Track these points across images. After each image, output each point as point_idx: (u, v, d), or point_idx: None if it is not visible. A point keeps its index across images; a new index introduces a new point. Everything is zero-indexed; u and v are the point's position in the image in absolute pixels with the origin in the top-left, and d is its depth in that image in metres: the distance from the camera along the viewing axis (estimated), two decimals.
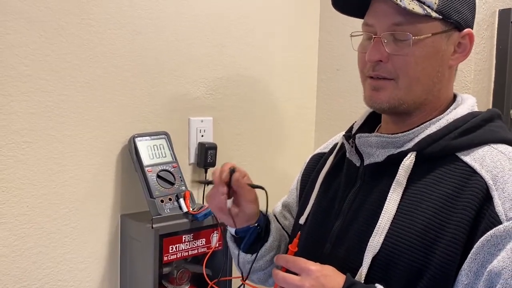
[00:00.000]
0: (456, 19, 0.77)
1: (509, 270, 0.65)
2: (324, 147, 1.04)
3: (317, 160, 1.01)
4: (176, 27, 1.34)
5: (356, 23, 0.86)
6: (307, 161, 1.06)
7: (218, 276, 1.34)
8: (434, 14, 0.75)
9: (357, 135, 0.84)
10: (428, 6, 0.75)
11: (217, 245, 1.29)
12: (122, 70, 1.25)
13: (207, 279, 1.08)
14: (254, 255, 0.93)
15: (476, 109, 0.83)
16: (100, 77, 1.22)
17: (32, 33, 1.10)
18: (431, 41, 0.76)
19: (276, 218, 1.04)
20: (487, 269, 0.67)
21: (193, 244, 1.24)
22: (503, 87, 1.37)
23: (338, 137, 0.99)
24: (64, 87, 1.16)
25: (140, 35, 1.28)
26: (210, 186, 1.42)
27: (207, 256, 1.18)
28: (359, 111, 0.95)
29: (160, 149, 1.28)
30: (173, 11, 1.33)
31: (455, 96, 0.85)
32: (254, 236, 0.93)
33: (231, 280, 1.33)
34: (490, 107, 1.40)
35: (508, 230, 0.66)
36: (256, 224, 0.92)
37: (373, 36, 0.78)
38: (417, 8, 0.74)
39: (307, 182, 0.99)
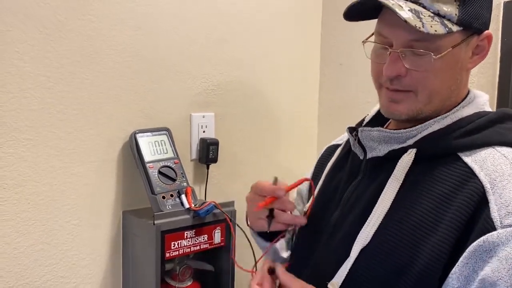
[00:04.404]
0: (476, 26, 0.75)
1: (505, 281, 0.63)
2: (339, 139, 1.04)
3: (331, 152, 1.01)
4: (177, 22, 1.33)
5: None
6: (322, 152, 1.06)
7: (221, 272, 1.34)
8: (455, 28, 0.72)
9: (360, 129, 0.83)
10: (449, 20, 0.72)
11: (220, 241, 1.29)
12: (122, 66, 1.24)
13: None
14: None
15: (486, 108, 0.80)
16: (100, 73, 1.21)
17: (32, 30, 1.10)
18: (451, 54, 0.74)
19: None
20: (480, 277, 0.65)
21: (195, 240, 1.24)
22: (508, 80, 1.36)
23: None
24: (65, 84, 1.16)
25: (141, 30, 1.27)
26: (212, 184, 1.43)
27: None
28: (362, 106, 0.94)
29: (162, 145, 1.27)
30: (174, 6, 1.32)
31: (468, 92, 0.82)
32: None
33: (234, 275, 1.32)
34: (495, 100, 1.38)
35: (501, 238, 0.65)
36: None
37: (390, 50, 0.75)
38: (439, 29, 0.71)
39: (319, 172, 1.00)
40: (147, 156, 1.23)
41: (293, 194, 1.17)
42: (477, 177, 0.70)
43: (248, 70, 1.51)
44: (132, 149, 1.24)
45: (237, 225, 1.29)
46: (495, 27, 1.35)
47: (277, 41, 1.57)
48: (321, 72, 1.71)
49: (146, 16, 1.27)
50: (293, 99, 1.64)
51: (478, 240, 0.66)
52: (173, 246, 1.20)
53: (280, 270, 0.79)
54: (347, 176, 0.87)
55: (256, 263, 1.02)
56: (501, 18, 1.36)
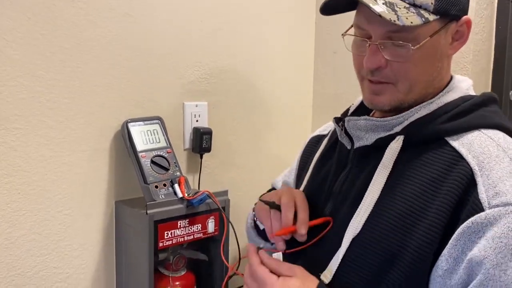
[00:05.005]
0: (454, 13, 0.75)
1: (491, 260, 0.64)
2: (323, 129, 1.04)
3: (316, 142, 1.01)
4: (170, 10, 1.31)
5: None
6: (307, 142, 1.06)
7: (214, 262, 1.33)
8: (432, 18, 0.72)
9: (346, 118, 0.83)
10: (425, 9, 0.72)
11: (214, 230, 1.28)
12: (114, 54, 1.23)
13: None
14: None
15: (470, 93, 0.81)
16: (91, 61, 1.19)
17: (20, 16, 1.08)
18: (430, 42, 0.74)
19: None
20: (467, 257, 0.66)
21: (188, 230, 1.23)
22: (503, 68, 1.35)
23: None
24: (55, 72, 1.14)
25: (132, 18, 1.25)
26: (205, 173, 1.42)
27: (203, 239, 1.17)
28: (357, 94, 0.93)
29: (154, 135, 1.26)
30: None
31: (452, 78, 0.83)
32: None
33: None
34: (490, 88, 1.38)
35: (489, 218, 0.65)
36: None
37: (369, 42, 0.76)
38: (415, 20, 0.71)
39: (306, 163, 0.99)
40: (139, 145, 1.22)
41: (278, 185, 1.16)
42: (465, 160, 0.71)
43: (242, 59, 1.49)
44: (124, 138, 1.23)
45: (228, 220, 1.28)
46: (490, 14, 1.35)
47: (271, 29, 1.56)
48: (315, 60, 1.70)
49: (138, 3, 1.25)
50: (287, 88, 1.63)
51: (467, 221, 0.66)
52: (167, 236, 1.19)
53: (265, 256, 0.79)
54: (336, 166, 0.87)
55: (240, 260, 1.02)
56: (495, 5, 1.35)
